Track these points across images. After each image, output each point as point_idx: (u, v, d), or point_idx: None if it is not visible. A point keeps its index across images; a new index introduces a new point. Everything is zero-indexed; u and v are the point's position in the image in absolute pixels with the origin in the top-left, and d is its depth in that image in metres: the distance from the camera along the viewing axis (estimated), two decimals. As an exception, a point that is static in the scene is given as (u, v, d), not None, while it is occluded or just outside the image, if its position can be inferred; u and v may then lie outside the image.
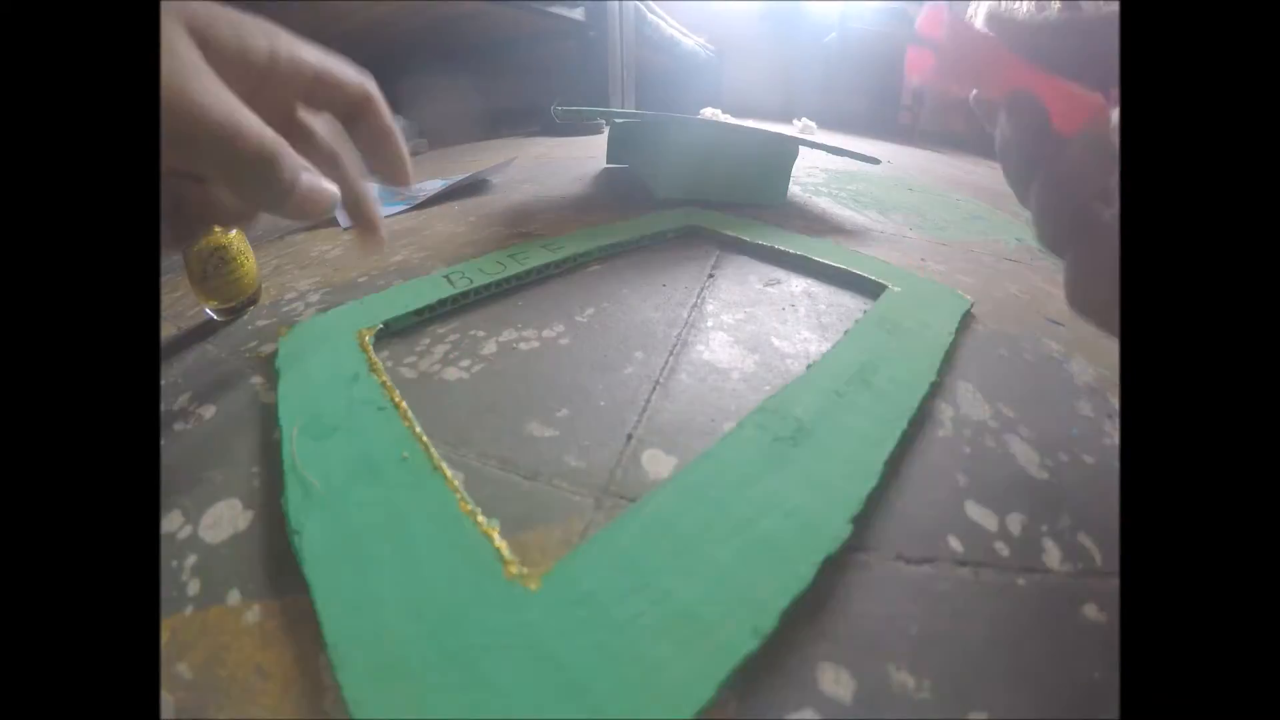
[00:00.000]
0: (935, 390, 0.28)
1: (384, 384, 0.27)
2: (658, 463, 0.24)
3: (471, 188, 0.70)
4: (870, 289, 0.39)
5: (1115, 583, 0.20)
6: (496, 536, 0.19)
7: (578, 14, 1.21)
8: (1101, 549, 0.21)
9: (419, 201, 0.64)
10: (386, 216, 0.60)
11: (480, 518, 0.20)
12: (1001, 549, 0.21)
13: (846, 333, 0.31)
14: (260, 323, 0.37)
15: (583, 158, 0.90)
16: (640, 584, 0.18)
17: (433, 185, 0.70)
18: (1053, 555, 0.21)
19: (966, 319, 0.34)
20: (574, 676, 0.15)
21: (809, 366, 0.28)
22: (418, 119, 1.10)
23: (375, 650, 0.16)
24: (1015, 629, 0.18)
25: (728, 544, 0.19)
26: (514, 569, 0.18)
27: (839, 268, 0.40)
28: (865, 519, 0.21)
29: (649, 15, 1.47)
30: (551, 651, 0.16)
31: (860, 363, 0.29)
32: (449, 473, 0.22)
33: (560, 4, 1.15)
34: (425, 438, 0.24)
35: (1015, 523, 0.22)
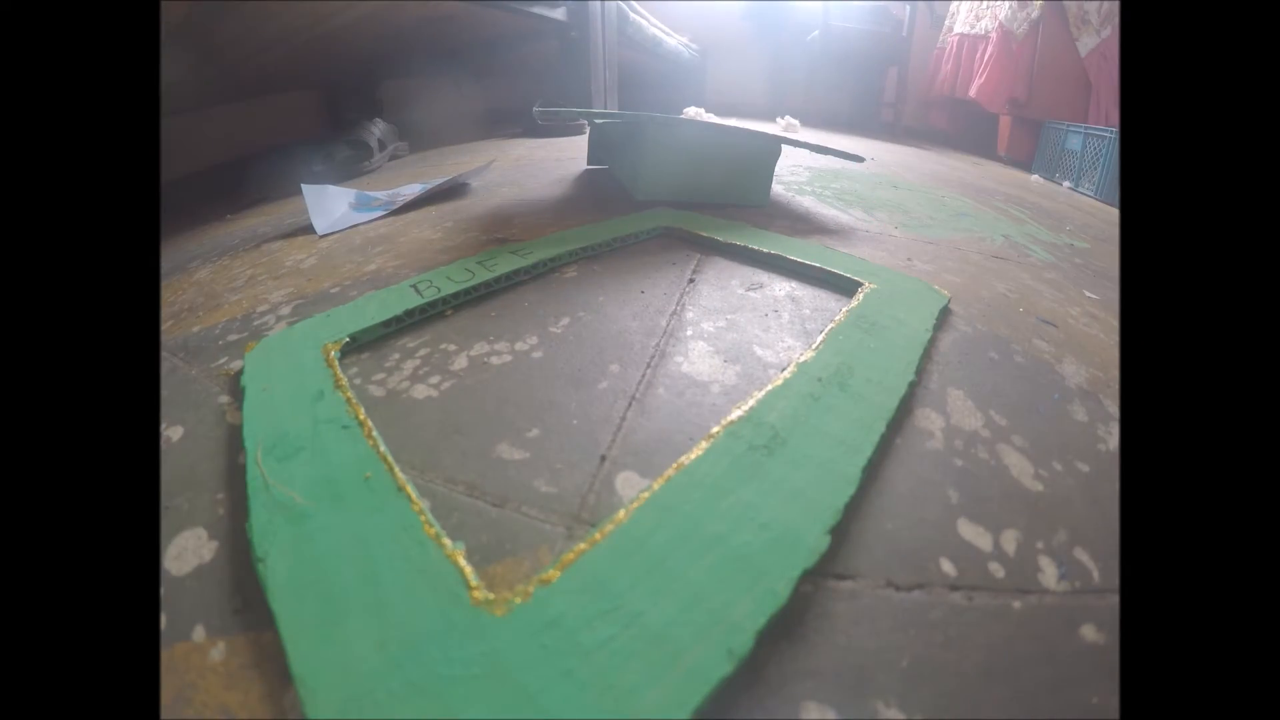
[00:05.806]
0: (914, 390, 0.27)
1: (348, 400, 0.26)
2: (632, 486, 0.22)
3: (450, 192, 0.68)
4: (854, 290, 0.38)
5: (1114, 601, 0.19)
6: (461, 560, 0.19)
7: (559, 14, 1.19)
8: (1099, 565, 0.20)
9: (396, 207, 0.62)
10: (363, 223, 0.59)
11: (445, 540, 0.19)
12: (996, 570, 0.20)
13: (825, 333, 0.30)
14: (231, 337, 0.35)
15: (564, 159, 0.88)
16: (610, 607, 0.17)
17: (410, 190, 0.68)
18: (1049, 574, 0.20)
19: (944, 314, 0.33)
20: (543, 706, 0.15)
21: (782, 370, 0.27)
22: (399, 121, 1.09)
23: (342, 684, 0.15)
24: (1011, 656, 0.17)
25: (701, 562, 0.18)
26: (479, 594, 0.18)
27: (823, 269, 0.39)
28: (847, 535, 0.20)
29: (631, 15, 1.46)
30: (519, 681, 0.15)
31: (836, 364, 0.28)
32: (413, 493, 0.21)
33: (541, 4, 1.13)
34: (390, 457, 0.23)
35: (1010, 540, 0.21)
